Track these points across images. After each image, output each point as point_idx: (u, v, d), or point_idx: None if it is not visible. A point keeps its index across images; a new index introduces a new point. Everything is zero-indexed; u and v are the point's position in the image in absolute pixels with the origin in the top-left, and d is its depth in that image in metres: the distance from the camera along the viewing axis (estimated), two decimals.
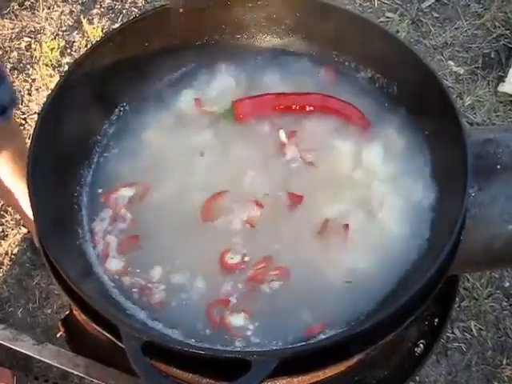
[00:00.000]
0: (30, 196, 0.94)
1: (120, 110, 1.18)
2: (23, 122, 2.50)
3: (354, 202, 1.07)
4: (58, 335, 1.26)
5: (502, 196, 1.06)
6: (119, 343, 0.85)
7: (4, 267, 2.21)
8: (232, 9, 1.19)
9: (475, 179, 1.05)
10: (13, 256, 2.20)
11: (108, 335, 0.89)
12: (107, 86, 1.14)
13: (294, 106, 1.17)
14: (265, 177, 1.10)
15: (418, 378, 2.02)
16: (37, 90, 2.59)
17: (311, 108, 1.17)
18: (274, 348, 0.86)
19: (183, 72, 1.21)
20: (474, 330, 2.08)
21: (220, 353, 0.82)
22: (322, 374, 1.04)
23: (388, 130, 1.14)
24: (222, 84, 1.20)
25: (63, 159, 1.05)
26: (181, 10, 1.15)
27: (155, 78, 1.18)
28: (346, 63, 1.21)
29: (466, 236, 0.99)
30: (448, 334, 2.08)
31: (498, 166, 1.07)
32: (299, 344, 0.84)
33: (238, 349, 0.88)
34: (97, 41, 1.14)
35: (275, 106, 1.18)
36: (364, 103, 1.16)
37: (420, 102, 1.12)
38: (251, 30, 1.22)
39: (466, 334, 2.08)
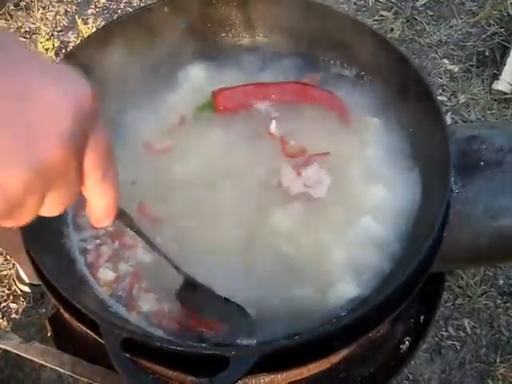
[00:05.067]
0: None
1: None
2: None
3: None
4: (48, 334, 1.26)
5: (486, 192, 1.06)
6: (100, 340, 0.85)
7: None
8: (217, 7, 1.19)
9: (459, 176, 1.06)
10: (7, 256, 2.21)
11: (90, 332, 0.89)
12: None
13: (273, 95, 1.17)
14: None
15: (411, 376, 2.03)
16: None
17: (291, 97, 1.17)
18: (253, 344, 0.86)
19: (168, 70, 1.21)
20: (467, 327, 2.08)
21: (198, 349, 0.82)
22: (306, 371, 1.04)
23: (370, 124, 1.14)
24: (206, 82, 1.20)
25: None
26: (165, 9, 1.16)
27: (138, 77, 1.18)
28: (331, 61, 1.21)
29: (450, 233, 0.99)
30: (442, 332, 2.08)
31: (482, 163, 1.07)
32: (278, 340, 0.84)
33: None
34: (77, 43, 1.14)
35: (255, 95, 1.17)
36: (348, 101, 1.16)
37: (404, 99, 1.12)
38: (236, 28, 1.23)
39: (460, 331, 2.08)
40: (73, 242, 1.03)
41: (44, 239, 0.96)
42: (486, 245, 1.08)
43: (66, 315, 1.05)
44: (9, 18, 2.83)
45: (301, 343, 0.84)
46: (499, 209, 1.06)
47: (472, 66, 2.64)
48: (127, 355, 0.81)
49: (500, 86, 2.52)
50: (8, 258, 2.19)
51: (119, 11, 2.87)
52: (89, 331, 0.88)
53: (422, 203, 1.03)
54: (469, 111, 2.50)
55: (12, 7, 2.86)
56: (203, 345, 0.84)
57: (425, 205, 1.03)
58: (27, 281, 2.11)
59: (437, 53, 2.69)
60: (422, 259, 0.89)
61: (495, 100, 2.53)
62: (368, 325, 0.90)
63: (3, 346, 1.17)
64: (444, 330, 2.08)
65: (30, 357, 1.16)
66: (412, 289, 0.92)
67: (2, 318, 2.12)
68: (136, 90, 1.17)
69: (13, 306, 2.15)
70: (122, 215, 0.73)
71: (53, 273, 0.88)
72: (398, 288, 0.87)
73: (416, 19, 2.78)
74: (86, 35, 2.72)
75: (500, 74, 2.54)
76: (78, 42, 2.72)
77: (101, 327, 0.83)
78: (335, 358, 1.07)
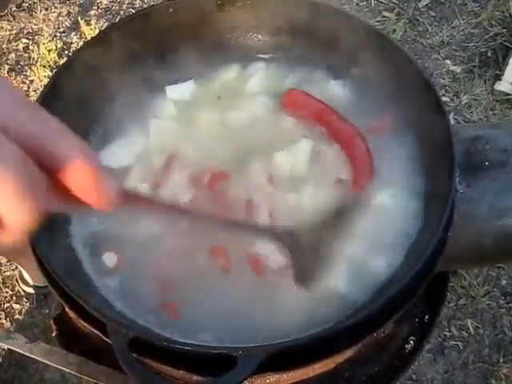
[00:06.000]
0: None
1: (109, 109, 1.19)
2: None
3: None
4: (53, 334, 1.26)
5: (491, 192, 1.06)
6: (107, 339, 0.85)
7: (2, 268, 2.22)
8: (221, 8, 1.20)
9: (463, 176, 1.06)
10: None
11: (97, 332, 0.89)
12: (97, 87, 1.14)
13: (328, 127, 1.15)
14: None
15: (414, 377, 2.03)
16: (35, 91, 2.61)
17: (338, 138, 1.14)
18: (260, 344, 0.86)
19: (172, 71, 1.22)
20: (470, 328, 2.08)
21: (205, 349, 0.82)
22: (311, 371, 1.04)
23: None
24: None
25: None
26: (170, 10, 1.16)
27: (143, 77, 1.18)
28: (336, 62, 1.21)
29: (455, 232, 0.99)
30: (445, 333, 2.08)
31: (487, 163, 1.07)
32: (285, 340, 0.84)
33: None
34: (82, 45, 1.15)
35: (318, 115, 1.16)
36: (351, 102, 1.17)
37: (408, 100, 1.12)
38: (241, 29, 1.23)
39: (463, 332, 2.09)
40: (78, 241, 1.04)
41: (50, 239, 0.96)
42: (491, 244, 1.08)
43: (72, 315, 1.06)
44: (11, 19, 2.84)
45: (307, 343, 0.84)
46: (504, 209, 1.07)
47: (474, 66, 2.64)
48: (134, 355, 0.82)
49: (502, 86, 2.52)
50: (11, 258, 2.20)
51: (122, 12, 2.87)
52: (95, 331, 0.88)
53: (427, 203, 1.04)
54: (471, 112, 2.51)
55: (14, 8, 2.87)
56: (210, 344, 0.84)
57: (430, 205, 1.03)
58: (31, 283, 2.11)
59: (439, 53, 2.69)
60: (426, 259, 0.89)
61: (497, 101, 2.53)
62: (373, 325, 0.90)
63: (8, 346, 1.17)
64: (447, 330, 2.08)
65: (34, 357, 1.16)
66: (417, 289, 0.93)
67: (6, 318, 2.12)
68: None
69: (16, 306, 2.15)
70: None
71: (59, 272, 0.88)
72: (403, 288, 0.87)
73: (418, 20, 2.78)
74: (88, 36, 2.73)
75: (502, 75, 2.54)
76: (81, 43, 2.72)
77: (108, 327, 0.83)
78: (340, 358, 1.07)
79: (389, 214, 1.04)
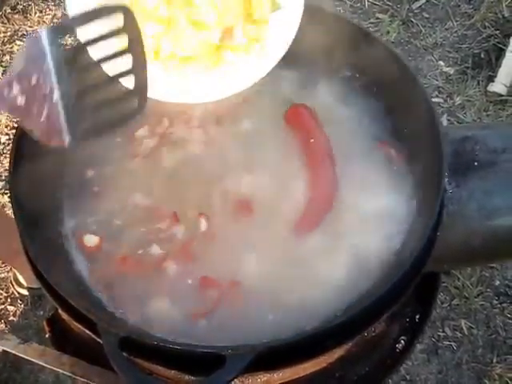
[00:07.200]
0: (11, 192, 0.95)
1: None
2: (15, 124, 2.52)
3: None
4: (46, 335, 1.27)
5: (480, 192, 1.07)
6: (98, 339, 0.86)
7: None
8: None
9: (453, 176, 1.07)
10: None
11: (88, 332, 0.90)
12: None
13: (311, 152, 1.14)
14: None
15: (408, 377, 2.03)
16: None
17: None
18: (249, 343, 0.87)
19: None
20: (464, 328, 2.08)
21: (194, 348, 0.83)
22: (302, 371, 1.05)
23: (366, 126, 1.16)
24: None
25: (45, 159, 1.06)
26: None
27: None
28: (327, 64, 1.21)
29: (444, 232, 1.00)
30: (439, 333, 2.09)
31: (476, 163, 1.08)
32: (274, 339, 0.85)
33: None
34: None
35: (306, 138, 1.15)
36: (344, 103, 1.18)
37: (399, 101, 1.13)
38: None
39: (457, 332, 2.09)
40: (71, 243, 1.04)
41: (42, 241, 0.97)
42: (480, 244, 1.09)
43: (65, 316, 1.06)
44: (6, 21, 2.83)
45: (296, 342, 0.85)
46: (493, 208, 1.08)
47: (467, 67, 2.65)
48: (125, 354, 0.82)
49: (495, 87, 2.53)
50: None
51: None
52: (87, 331, 0.89)
53: (417, 203, 1.04)
54: (464, 113, 2.52)
55: (9, 10, 2.86)
56: (200, 344, 0.84)
57: (419, 205, 1.04)
58: (25, 284, 2.12)
59: (432, 55, 2.70)
60: (415, 259, 0.90)
61: (491, 102, 2.54)
62: (361, 325, 0.91)
63: (1, 347, 1.18)
64: (441, 330, 2.09)
65: (28, 357, 1.16)
66: (406, 289, 0.93)
67: (0, 320, 2.12)
68: None
69: (10, 308, 2.15)
70: None
71: (52, 274, 0.89)
72: (391, 288, 0.88)
73: (412, 21, 2.79)
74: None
75: (495, 76, 2.55)
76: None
77: (98, 327, 0.83)
78: (331, 358, 1.08)
79: (378, 214, 1.05)
